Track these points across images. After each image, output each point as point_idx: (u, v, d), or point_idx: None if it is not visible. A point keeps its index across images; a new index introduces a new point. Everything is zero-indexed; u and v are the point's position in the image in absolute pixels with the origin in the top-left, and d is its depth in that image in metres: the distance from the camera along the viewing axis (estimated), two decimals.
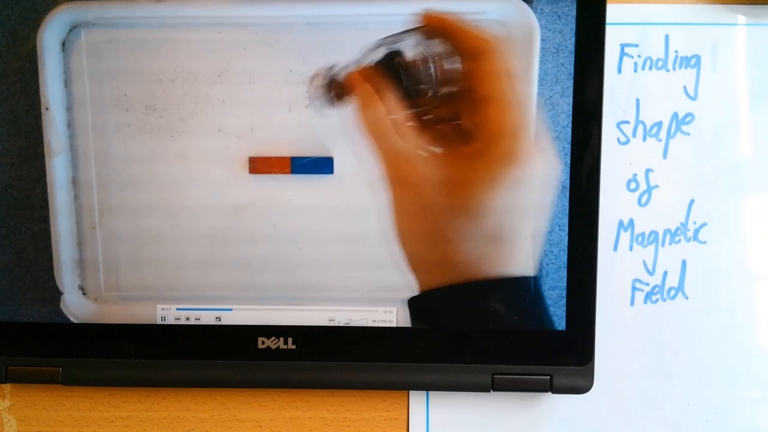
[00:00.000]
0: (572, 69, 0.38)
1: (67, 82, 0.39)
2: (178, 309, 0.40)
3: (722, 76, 0.41)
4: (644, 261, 0.42)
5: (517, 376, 0.40)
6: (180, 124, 0.39)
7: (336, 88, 0.38)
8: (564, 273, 0.39)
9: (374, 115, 0.38)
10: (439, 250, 0.39)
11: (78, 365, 0.41)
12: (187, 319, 0.40)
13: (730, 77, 0.41)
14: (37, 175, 0.40)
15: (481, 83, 0.37)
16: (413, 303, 0.40)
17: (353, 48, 0.38)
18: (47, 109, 0.39)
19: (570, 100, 0.38)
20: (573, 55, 0.38)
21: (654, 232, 0.42)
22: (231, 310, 0.40)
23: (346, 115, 0.39)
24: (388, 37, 0.38)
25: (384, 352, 0.40)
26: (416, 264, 0.39)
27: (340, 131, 0.39)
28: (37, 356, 0.41)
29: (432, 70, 0.38)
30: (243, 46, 0.39)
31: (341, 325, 0.40)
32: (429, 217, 0.39)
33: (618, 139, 0.41)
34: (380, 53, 0.38)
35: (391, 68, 0.38)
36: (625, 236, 0.42)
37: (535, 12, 0.38)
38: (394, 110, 0.38)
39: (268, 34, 0.38)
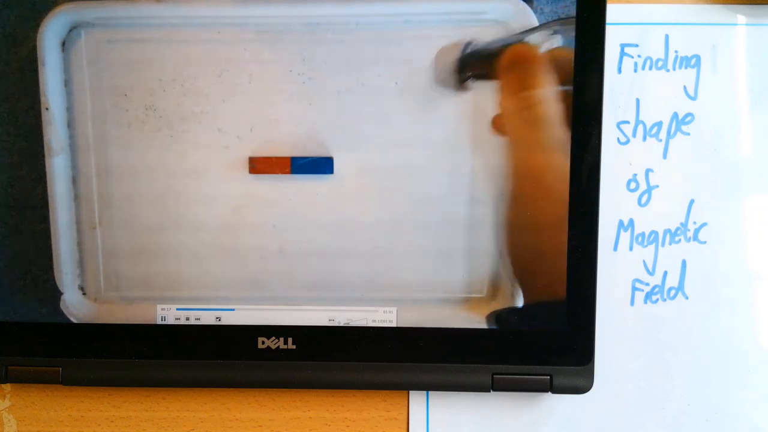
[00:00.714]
0: (572, 69, 0.38)
1: (67, 82, 0.39)
2: (178, 309, 0.40)
3: (722, 76, 0.41)
4: (644, 261, 0.42)
5: (517, 376, 0.40)
6: (180, 124, 0.39)
7: (475, 68, 0.35)
8: (564, 273, 0.39)
9: (520, 104, 0.36)
10: (546, 263, 0.38)
11: (78, 365, 0.41)
12: (187, 319, 0.40)
13: (730, 77, 0.41)
14: (37, 175, 0.40)
15: None
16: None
17: (355, 49, 0.38)
18: (47, 109, 0.39)
19: (570, 100, 0.38)
20: (573, 55, 0.38)
21: (654, 232, 0.42)
22: (231, 310, 0.40)
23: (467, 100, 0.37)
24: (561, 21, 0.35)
25: (384, 352, 0.40)
26: (521, 275, 0.39)
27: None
28: (37, 356, 0.41)
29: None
30: (243, 46, 0.39)
31: (341, 325, 0.40)
32: (540, 229, 0.37)
33: (618, 139, 0.41)
34: (555, 40, 0.35)
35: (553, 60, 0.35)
36: (625, 236, 0.42)
37: (535, 12, 0.38)
38: (539, 102, 0.36)
39: (268, 34, 0.38)
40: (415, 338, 0.40)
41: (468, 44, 0.36)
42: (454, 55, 0.36)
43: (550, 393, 0.40)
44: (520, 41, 0.36)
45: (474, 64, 0.36)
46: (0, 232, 0.40)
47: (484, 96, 0.38)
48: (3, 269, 0.40)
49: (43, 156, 0.39)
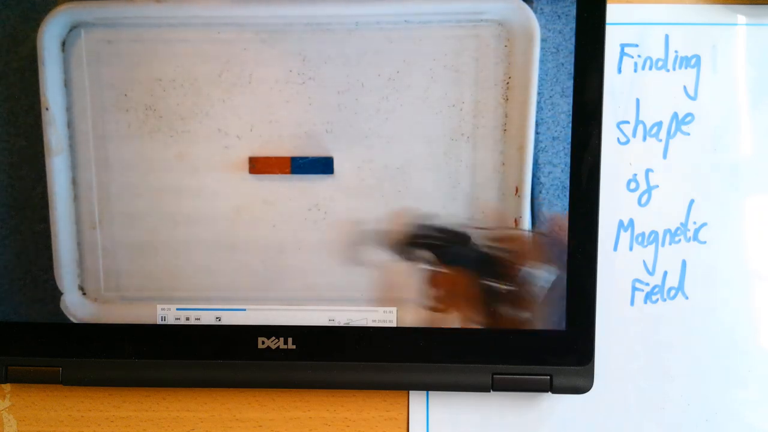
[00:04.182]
0: (572, 69, 0.38)
1: (67, 82, 0.39)
2: (178, 309, 0.40)
3: (722, 76, 0.41)
4: (644, 261, 0.42)
5: (517, 376, 0.40)
6: (180, 124, 0.39)
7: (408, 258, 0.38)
8: (564, 273, 0.39)
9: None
10: None
11: (78, 365, 0.41)
12: (187, 319, 0.40)
13: (730, 77, 0.41)
14: (37, 175, 0.40)
15: None
16: None
17: (355, 49, 0.38)
18: (47, 109, 0.39)
19: (570, 100, 0.38)
20: (573, 55, 0.38)
21: (654, 232, 0.42)
22: (231, 310, 0.40)
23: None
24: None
25: (384, 352, 0.40)
26: None
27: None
28: (37, 356, 0.41)
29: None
30: (243, 46, 0.39)
31: (341, 325, 0.40)
32: None
33: (618, 139, 0.41)
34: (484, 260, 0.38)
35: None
36: (625, 236, 0.42)
37: (535, 12, 0.38)
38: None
39: (268, 34, 0.38)
40: (415, 338, 0.40)
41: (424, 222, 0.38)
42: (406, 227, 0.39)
43: (550, 393, 0.40)
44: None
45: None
46: (0, 232, 0.40)
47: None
48: (3, 269, 0.40)
49: (43, 156, 0.39)
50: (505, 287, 0.39)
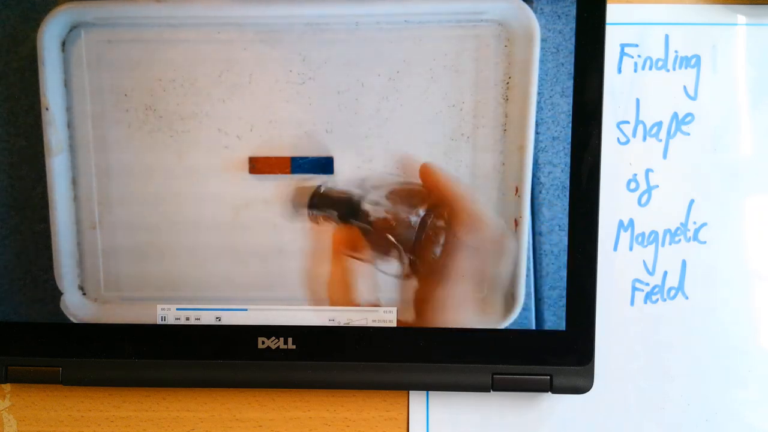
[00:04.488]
0: (572, 69, 0.38)
1: (67, 82, 0.39)
2: (178, 309, 0.40)
3: (722, 76, 0.41)
4: (644, 261, 0.42)
5: (517, 376, 0.40)
6: (180, 124, 0.39)
7: (315, 221, 0.39)
8: (564, 273, 0.39)
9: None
10: None
11: (78, 365, 0.41)
12: (187, 319, 0.40)
13: (730, 77, 0.41)
14: (37, 175, 0.40)
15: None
16: None
17: (355, 49, 0.38)
18: (47, 109, 0.39)
19: (570, 100, 0.38)
20: (573, 55, 0.38)
21: (654, 232, 0.42)
22: (231, 310, 0.40)
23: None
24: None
25: (384, 352, 0.40)
26: None
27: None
28: (37, 356, 0.41)
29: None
30: (243, 46, 0.39)
31: (341, 325, 0.40)
32: None
33: (618, 139, 0.41)
34: (370, 219, 0.38)
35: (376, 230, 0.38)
36: (625, 236, 0.42)
37: (535, 12, 0.38)
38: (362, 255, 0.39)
39: (268, 34, 0.38)
40: (415, 338, 0.40)
41: (319, 187, 0.39)
42: (307, 195, 0.39)
43: (550, 393, 0.40)
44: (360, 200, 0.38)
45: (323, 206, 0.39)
46: (0, 232, 0.40)
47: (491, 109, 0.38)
48: (3, 269, 0.40)
49: (43, 156, 0.39)
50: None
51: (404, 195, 0.38)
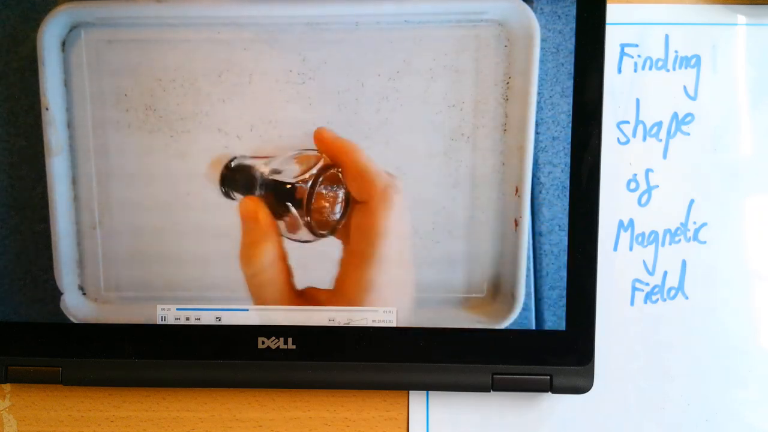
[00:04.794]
0: (572, 69, 0.38)
1: (67, 82, 0.39)
2: (178, 309, 0.40)
3: (722, 76, 0.41)
4: (644, 261, 0.42)
5: (517, 376, 0.40)
6: (180, 124, 0.39)
7: (228, 196, 0.39)
8: (564, 273, 0.39)
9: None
10: None
11: (78, 365, 0.40)
12: (187, 319, 0.40)
13: (730, 77, 0.41)
14: (37, 175, 0.40)
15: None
16: None
17: (355, 49, 0.38)
18: (47, 109, 0.39)
19: (570, 100, 0.38)
20: (573, 55, 0.38)
21: (654, 232, 0.42)
22: (231, 310, 0.40)
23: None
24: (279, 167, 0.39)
25: (384, 352, 0.40)
26: None
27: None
28: (37, 356, 0.41)
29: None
30: (243, 46, 0.39)
31: (341, 325, 0.40)
32: None
33: (618, 139, 0.41)
34: (270, 187, 0.39)
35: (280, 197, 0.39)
36: (625, 236, 0.42)
37: (535, 12, 0.38)
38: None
39: (268, 34, 0.38)
40: (415, 338, 0.40)
41: (233, 159, 0.39)
42: (219, 169, 0.39)
43: (550, 393, 0.40)
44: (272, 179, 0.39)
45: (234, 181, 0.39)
46: (0, 232, 0.40)
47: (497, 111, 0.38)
48: (3, 269, 0.40)
49: (43, 156, 0.39)
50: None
51: (302, 161, 0.38)
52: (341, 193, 0.39)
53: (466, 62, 0.38)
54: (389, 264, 0.39)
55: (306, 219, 0.38)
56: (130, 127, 0.39)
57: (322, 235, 0.39)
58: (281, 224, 0.39)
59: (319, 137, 0.39)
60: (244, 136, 0.39)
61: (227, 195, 0.39)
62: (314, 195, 0.38)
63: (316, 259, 0.40)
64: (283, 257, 0.39)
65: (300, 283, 0.40)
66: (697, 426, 0.42)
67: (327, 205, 0.38)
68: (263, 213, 0.39)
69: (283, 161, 0.39)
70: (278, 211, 0.39)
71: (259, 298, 0.40)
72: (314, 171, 0.38)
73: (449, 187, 0.39)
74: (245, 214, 0.39)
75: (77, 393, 0.43)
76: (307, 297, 0.40)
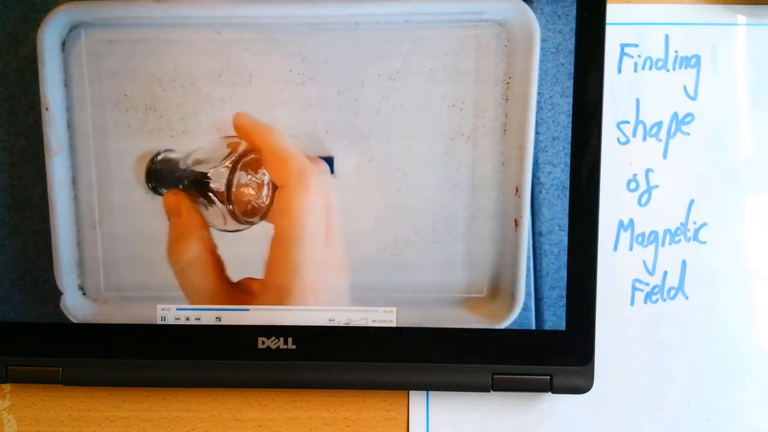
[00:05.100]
0: (572, 69, 0.38)
1: (67, 82, 0.39)
2: (178, 309, 0.40)
3: (722, 76, 0.41)
4: (644, 261, 0.42)
5: (517, 376, 0.40)
6: (180, 124, 0.39)
7: (156, 191, 0.39)
8: (564, 273, 0.39)
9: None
10: None
11: (78, 365, 0.40)
12: (187, 319, 0.40)
13: (730, 77, 0.41)
14: (37, 175, 0.40)
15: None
16: None
17: (355, 49, 0.38)
18: (47, 109, 0.39)
19: (570, 100, 0.38)
20: (573, 55, 0.38)
21: (654, 232, 0.42)
22: (231, 310, 0.40)
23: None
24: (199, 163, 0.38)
25: (384, 352, 0.40)
26: None
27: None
28: (37, 356, 0.41)
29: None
30: (243, 46, 0.39)
31: (341, 325, 0.40)
32: None
33: (618, 139, 0.41)
34: (191, 178, 0.38)
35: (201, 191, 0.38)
36: (625, 236, 0.42)
37: (535, 12, 0.38)
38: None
39: (268, 34, 0.38)
40: (415, 338, 0.40)
41: (158, 154, 0.39)
42: (145, 166, 0.39)
43: (550, 393, 0.40)
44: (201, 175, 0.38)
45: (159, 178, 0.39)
46: (0, 232, 0.40)
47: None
48: (3, 269, 0.40)
49: (43, 156, 0.39)
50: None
51: (223, 149, 0.38)
52: (266, 178, 0.38)
53: (466, 62, 0.38)
54: (312, 244, 0.38)
55: (229, 207, 0.38)
56: (130, 127, 0.39)
57: (252, 223, 0.39)
58: (209, 215, 0.39)
59: (238, 123, 0.38)
60: None
61: (155, 191, 0.39)
62: (233, 183, 0.38)
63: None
64: (212, 249, 0.39)
65: (236, 275, 0.40)
66: (697, 426, 0.42)
67: (252, 191, 0.38)
68: (185, 206, 0.38)
69: (206, 151, 0.38)
70: (202, 203, 0.38)
71: (190, 293, 0.39)
72: (234, 158, 0.38)
73: (449, 187, 0.39)
74: (167, 208, 0.39)
75: (77, 393, 0.43)
76: (242, 288, 0.40)
